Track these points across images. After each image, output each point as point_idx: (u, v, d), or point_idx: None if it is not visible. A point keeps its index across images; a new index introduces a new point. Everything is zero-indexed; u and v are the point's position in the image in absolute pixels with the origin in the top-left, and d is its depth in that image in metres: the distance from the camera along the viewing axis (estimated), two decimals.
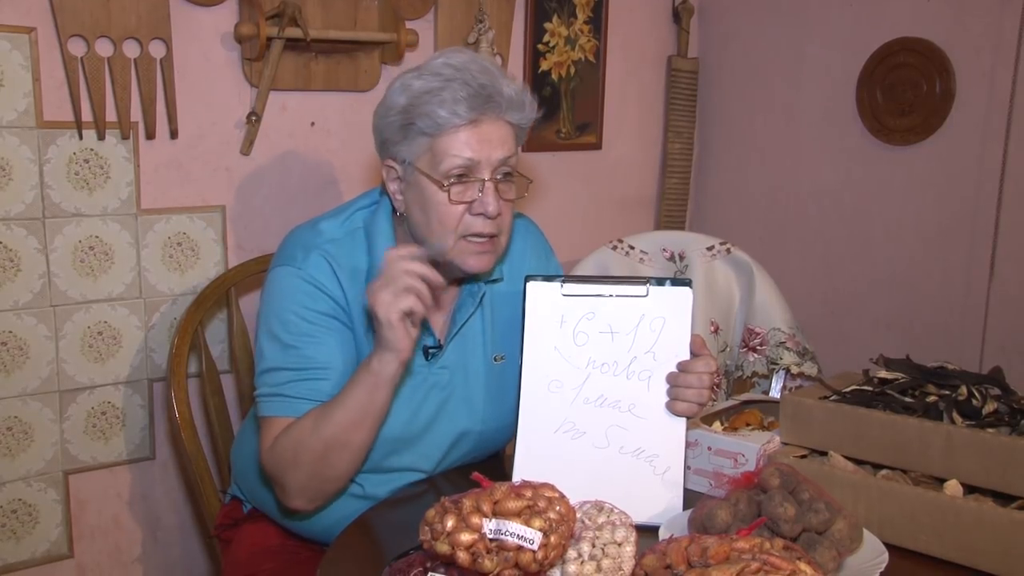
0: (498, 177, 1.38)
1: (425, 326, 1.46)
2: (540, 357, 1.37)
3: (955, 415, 1.30)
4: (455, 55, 1.40)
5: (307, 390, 1.39)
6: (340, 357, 1.41)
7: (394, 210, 1.47)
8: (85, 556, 1.96)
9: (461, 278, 1.51)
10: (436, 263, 1.39)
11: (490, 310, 1.53)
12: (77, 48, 1.78)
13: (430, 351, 1.48)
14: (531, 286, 1.38)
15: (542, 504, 1.07)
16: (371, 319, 1.30)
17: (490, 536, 1.04)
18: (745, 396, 1.73)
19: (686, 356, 1.35)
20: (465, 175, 1.37)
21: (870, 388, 1.41)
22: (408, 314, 1.26)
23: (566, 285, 1.38)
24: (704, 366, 1.33)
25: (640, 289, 1.36)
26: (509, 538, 1.03)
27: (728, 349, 2.16)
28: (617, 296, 1.36)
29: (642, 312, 1.36)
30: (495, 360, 1.53)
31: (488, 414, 1.52)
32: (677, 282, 1.37)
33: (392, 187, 1.45)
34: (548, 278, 1.38)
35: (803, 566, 0.97)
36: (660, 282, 1.37)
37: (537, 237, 1.65)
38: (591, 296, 1.37)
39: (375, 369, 1.30)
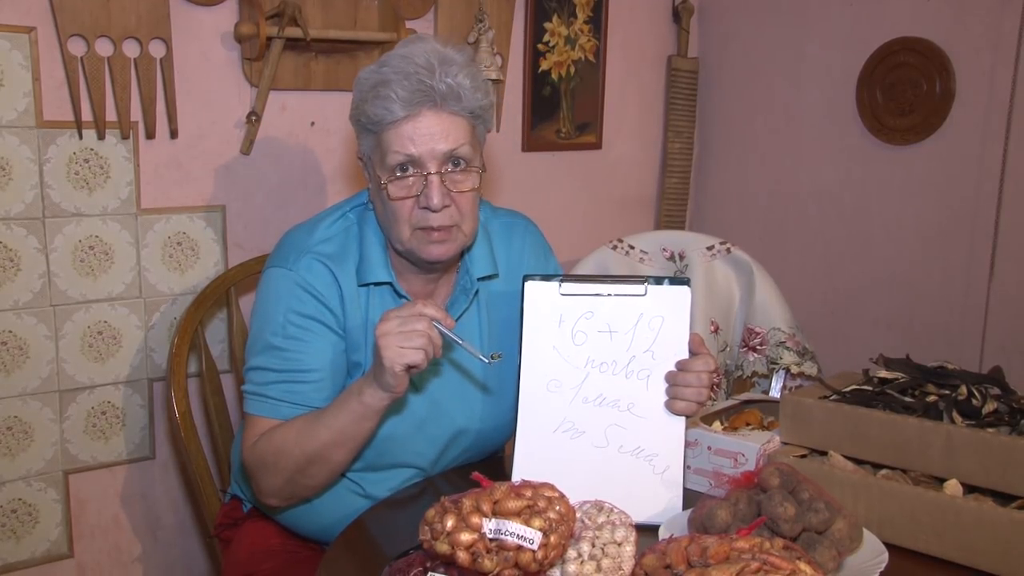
0: (448, 168, 1.37)
1: None
2: (539, 356, 1.37)
3: (955, 415, 1.30)
4: (411, 44, 1.39)
5: (288, 392, 1.40)
6: (326, 360, 1.42)
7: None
8: (85, 556, 1.96)
9: (454, 273, 1.52)
10: (400, 251, 1.43)
11: (487, 309, 1.53)
12: (77, 48, 1.78)
13: None
14: (529, 285, 1.38)
15: (542, 504, 1.07)
16: (374, 349, 1.29)
17: (490, 536, 1.04)
18: (745, 396, 1.73)
19: (685, 355, 1.35)
20: (408, 170, 1.37)
21: (870, 388, 1.41)
22: (411, 367, 1.27)
23: (564, 284, 1.37)
24: (703, 365, 1.33)
25: (639, 288, 1.36)
26: (509, 538, 1.03)
27: (728, 349, 2.16)
28: (616, 295, 1.36)
29: (641, 311, 1.36)
30: (492, 357, 1.53)
31: (486, 412, 1.51)
32: (675, 281, 1.37)
33: (366, 178, 1.47)
34: (546, 277, 1.38)
35: (803, 566, 0.97)
36: (658, 281, 1.37)
37: (536, 237, 1.65)
38: (590, 295, 1.37)
39: (366, 401, 1.31)
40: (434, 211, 1.36)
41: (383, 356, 1.25)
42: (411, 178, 1.37)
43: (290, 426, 1.37)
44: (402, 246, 1.41)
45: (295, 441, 1.35)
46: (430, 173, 1.36)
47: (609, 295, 1.36)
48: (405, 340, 1.25)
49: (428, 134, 1.35)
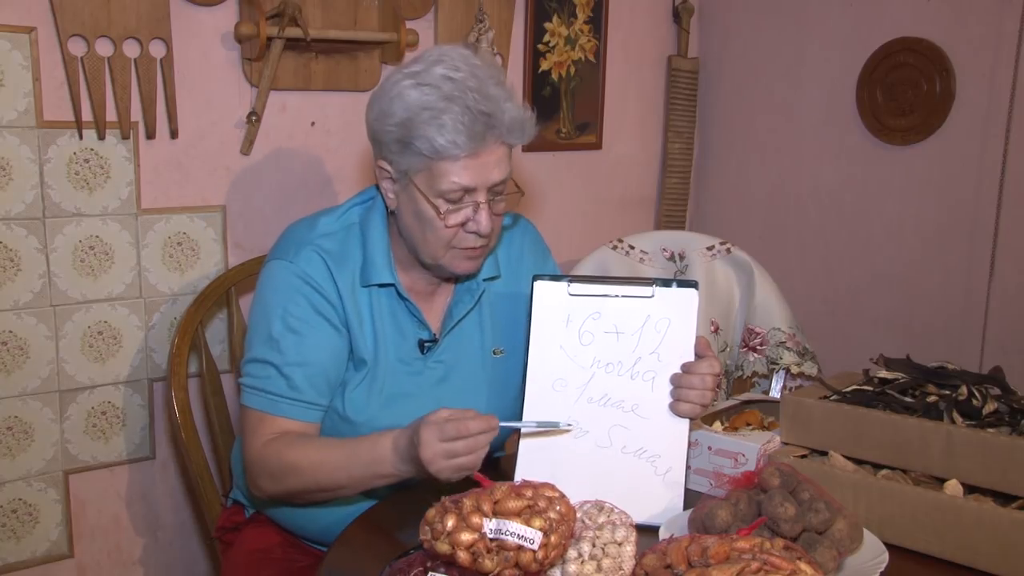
0: (491, 198, 1.38)
1: (420, 320, 1.47)
2: (545, 356, 1.37)
3: (955, 415, 1.30)
4: (456, 64, 1.35)
5: (288, 388, 1.40)
6: (325, 355, 1.42)
7: (387, 206, 1.48)
8: (85, 556, 1.96)
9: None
10: (426, 264, 1.44)
11: (488, 308, 1.53)
12: (77, 48, 1.78)
13: (425, 344, 1.49)
14: (538, 285, 1.38)
15: (542, 504, 1.07)
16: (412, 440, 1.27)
17: (490, 536, 1.04)
18: (745, 396, 1.73)
19: (690, 357, 1.36)
20: (462, 198, 1.36)
21: (870, 388, 1.42)
22: None
23: (573, 285, 1.38)
24: (708, 367, 1.33)
25: (646, 290, 1.37)
26: (509, 538, 1.03)
27: (728, 349, 2.16)
28: (623, 297, 1.37)
29: (648, 313, 1.36)
30: (494, 353, 1.53)
31: (490, 407, 1.50)
32: (683, 283, 1.37)
33: (385, 184, 1.44)
34: (555, 278, 1.39)
35: (803, 566, 0.97)
36: (666, 283, 1.37)
37: (535, 237, 1.65)
38: (597, 296, 1.37)
39: (397, 472, 1.31)
40: (482, 236, 1.38)
41: (427, 464, 1.24)
42: (464, 205, 1.36)
43: (307, 450, 1.37)
44: (433, 261, 1.42)
45: (310, 469, 1.36)
46: (481, 202, 1.36)
47: (617, 296, 1.37)
48: (454, 460, 1.24)
49: (485, 165, 1.35)
